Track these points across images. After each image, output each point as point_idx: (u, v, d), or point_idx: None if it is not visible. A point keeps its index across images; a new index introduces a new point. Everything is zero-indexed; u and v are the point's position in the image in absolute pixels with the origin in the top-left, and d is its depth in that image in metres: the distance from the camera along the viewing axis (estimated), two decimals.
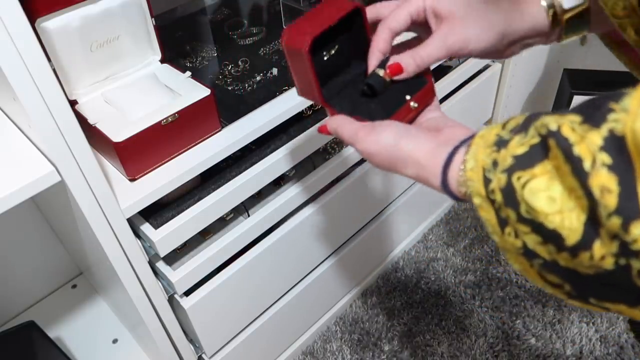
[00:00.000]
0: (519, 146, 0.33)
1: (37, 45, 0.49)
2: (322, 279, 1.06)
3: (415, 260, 1.32)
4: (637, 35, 0.42)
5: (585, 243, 0.30)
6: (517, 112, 1.40)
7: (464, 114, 1.20)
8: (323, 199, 0.94)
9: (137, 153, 0.67)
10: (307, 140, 0.83)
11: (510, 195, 0.33)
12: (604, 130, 0.28)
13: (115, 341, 1.00)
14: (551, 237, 0.31)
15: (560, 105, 1.29)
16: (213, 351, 0.92)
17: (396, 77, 0.49)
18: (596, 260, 0.29)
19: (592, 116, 0.29)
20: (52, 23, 0.63)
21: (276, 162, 0.80)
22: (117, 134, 0.65)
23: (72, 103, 0.71)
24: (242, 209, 0.85)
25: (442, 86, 1.07)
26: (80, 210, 0.61)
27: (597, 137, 0.28)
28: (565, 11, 0.46)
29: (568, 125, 0.30)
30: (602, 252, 0.29)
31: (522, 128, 0.34)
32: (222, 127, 0.76)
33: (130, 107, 0.70)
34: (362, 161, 1.00)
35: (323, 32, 0.47)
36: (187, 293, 0.81)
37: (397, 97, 0.50)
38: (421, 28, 0.51)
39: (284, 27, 1.00)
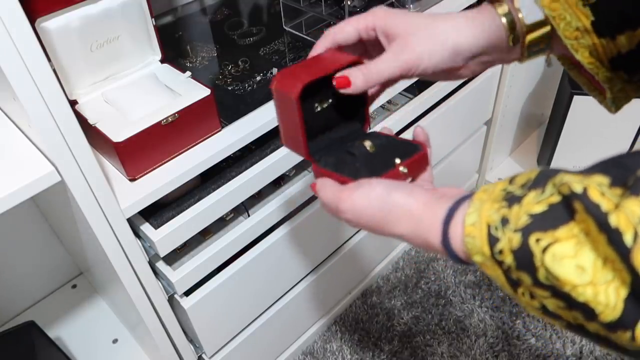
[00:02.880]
0: (535, 204, 0.30)
1: (37, 45, 0.49)
2: (322, 279, 1.06)
3: (415, 260, 1.32)
4: (591, 57, 0.41)
5: (625, 322, 0.26)
6: (517, 112, 1.40)
7: (464, 114, 1.19)
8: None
9: (137, 153, 0.67)
10: None
11: (525, 258, 0.30)
12: None
13: (115, 341, 1.00)
14: (579, 307, 0.28)
15: (561, 106, 1.29)
16: (213, 351, 0.92)
17: (343, 91, 0.46)
18: (638, 343, 0.26)
19: (623, 179, 0.27)
20: (52, 23, 0.63)
21: (276, 162, 0.80)
22: (117, 134, 0.65)
23: (72, 103, 0.71)
24: (242, 209, 0.85)
25: (442, 86, 1.07)
26: (80, 210, 0.61)
27: (637, 207, 0.25)
28: (528, 31, 0.43)
29: (596, 188, 0.27)
30: None
31: (537, 184, 0.31)
32: (222, 127, 0.76)
33: (130, 107, 0.70)
34: None
35: (317, 81, 0.45)
36: (187, 293, 0.81)
37: (386, 160, 0.46)
38: (374, 47, 0.49)
39: (284, 27, 1.00)
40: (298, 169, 0.90)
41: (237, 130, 0.75)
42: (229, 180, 0.78)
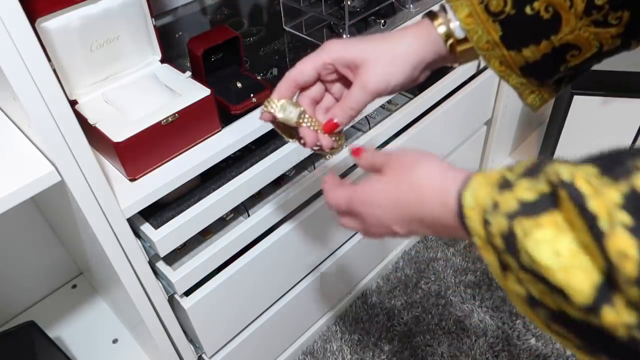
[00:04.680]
0: (526, 191, 0.31)
1: (37, 45, 0.49)
2: (322, 278, 1.06)
3: (415, 260, 1.32)
4: (502, 65, 0.47)
5: (593, 307, 0.27)
6: (517, 112, 1.40)
7: (464, 114, 1.20)
8: (323, 199, 0.93)
9: (137, 153, 0.67)
10: None
11: (511, 242, 0.31)
12: (625, 187, 0.26)
13: (115, 341, 1.00)
14: (557, 291, 0.29)
15: (561, 106, 1.29)
16: (213, 351, 0.92)
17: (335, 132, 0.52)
18: (606, 328, 0.27)
19: (612, 170, 0.28)
20: (52, 23, 0.63)
21: (276, 162, 0.80)
22: (117, 134, 0.65)
23: (72, 103, 0.71)
24: (242, 209, 0.85)
25: (442, 86, 1.07)
26: (80, 210, 0.61)
27: (615, 194, 0.26)
28: (460, 42, 0.48)
29: (583, 177, 0.28)
30: (613, 320, 0.27)
31: (531, 173, 0.32)
32: (222, 127, 0.76)
33: (130, 107, 0.70)
34: None
35: (212, 47, 0.76)
36: (187, 293, 0.81)
37: (247, 94, 0.77)
38: (339, 81, 0.53)
39: (284, 27, 1.00)
40: (298, 169, 0.90)
41: (237, 130, 0.75)
42: (229, 180, 0.78)
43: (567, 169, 0.29)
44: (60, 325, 1.03)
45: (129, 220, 0.67)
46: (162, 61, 0.79)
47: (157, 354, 0.89)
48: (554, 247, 0.28)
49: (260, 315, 0.98)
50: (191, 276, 0.77)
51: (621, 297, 0.26)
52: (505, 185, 0.33)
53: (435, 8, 0.49)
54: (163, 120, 0.67)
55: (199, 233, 0.78)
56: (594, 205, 0.27)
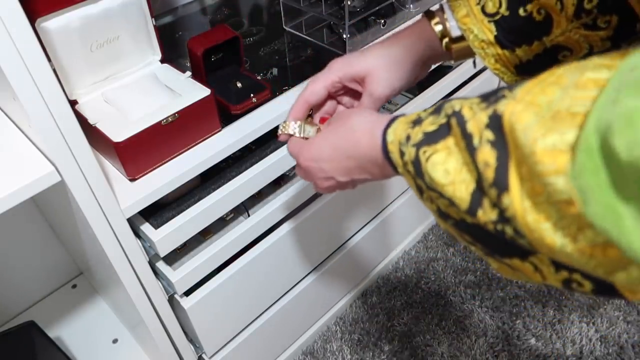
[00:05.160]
0: (430, 125, 0.37)
1: (37, 45, 0.49)
2: (322, 279, 1.06)
3: (415, 260, 1.32)
4: (497, 63, 0.49)
5: (471, 210, 0.33)
6: None
7: None
8: (323, 199, 0.94)
9: (137, 153, 0.67)
10: None
11: (418, 167, 0.37)
12: (491, 110, 0.31)
13: (115, 341, 1.00)
14: (451, 202, 0.35)
15: None
16: (213, 351, 0.92)
17: None
18: (482, 226, 0.33)
19: (487, 98, 0.33)
20: (52, 23, 0.63)
21: (276, 162, 0.80)
22: (117, 134, 0.65)
23: (72, 103, 0.71)
24: (242, 209, 0.85)
25: (442, 86, 1.07)
26: (81, 210, 0.61)
27: (484, 116, 0.32)
28: (454, 41, 0.51)
29: (467, 105, 0.34)
30: (484, 219, 0.32)
31: (436, 110, 0.38)
32: (222, 127, 0.76)
33: (130, 107, 0.70)
34: None
35: (212, 46, 0.76)
36: (187, 293, 0.81)
37: (247, 94, 0.78)
38: (347, 94, 0.57)
39: (284, 27, 1.00)
40: None
41: (237, 130, 0.75)
42: (229, 180, 0.78)
43: (459, 102, 0.35)
44: (60, 325, 1.03)
45: (129, 220, 0.67)
46: (162, 61, 0.79)
47: (157, 354, 0.89)
48: (445, 167, 0.34)
49: (261, 315, 0.98)
50: (191, 276, 0.77)
51: (487, 199, 0.32)
52: (417, 121, 0.39)
53: (434, 8, 0.52)
54: (163, 120, 0.67)
55: (199, 233, 0.78)
56: (470, 126, 0.32)
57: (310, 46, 0.95)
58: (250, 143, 0.77)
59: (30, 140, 0.59)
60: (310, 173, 0.51)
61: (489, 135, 0.31)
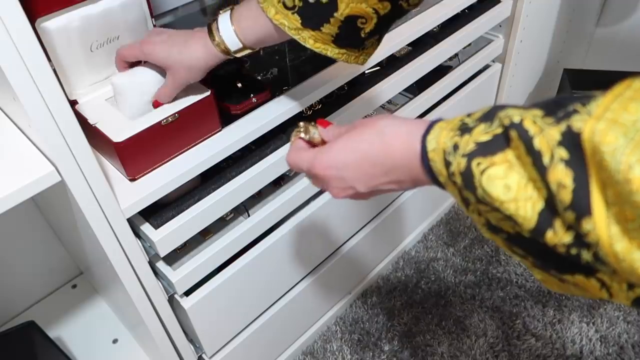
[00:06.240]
0: (482, 134, 0.35)
1: (37, 45, 0.49)
2: (322, 279, 1.06)
3: (415, 260, 1.32)
4: (317, 42, 0.59)
5: (539, 231, 0.31)
6: None
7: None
8: (323, 198, 0.94)
9: (137, 153, 0.67)
10: None
11: (469, 179, 0.35)
12: (564, 126, 0.30)
13: (115, 341, 1.00)
14: (509, 219, 0.33)
15: None
16: (213, 351, 0.92)
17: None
18: (549, 247, 0.31)
19: (554, 112, 0.31)
20: (52, 23, 0.63)
21: (276, 162, 0.80)
22: (117, 134, 0.65)
23: (72, 103, 0.71)
24: (242, 209, 0.85)
25: (442, 86, 1.07)
26: (80, 211, 0.61)
27: (556, 132, 0.30)
28: (236, 52, 0.63)
29: (530, 118, 0.32)
30: (554, 240, 0.31)
31: (488, 118, 0.36)
32: (222, 127, 0.76)
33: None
34: None
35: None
36: (187, 293, 0.81)
37: (248, 94, 0.78)
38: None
39: None
40: None
41: (237, 131, 0.75)
42: (229, 180, 0.78)
43: (517, 112, 0.33)
44: (60, 325, 1.03)
45: (129, 220, 0.67)
46: None
47: (157, 354, 0.89)
48: (505, 182, 0.32)
49: (261, 315, 0.98)
50: (191, 276, 0.77)
51: (560, 220, 0.30)
52: (464, 129, 0.37)
53: (213, 25, 0.62)
54: (163, 120, 0.67)
55: (199, 233, 0.78)
56: (539, 142, 0.30)
57: None
58: (250, 143, 0.77)
59: (30, 141, 0.59)
60: (327, 182, 0.49)
61: (562, 153, 0.29)
